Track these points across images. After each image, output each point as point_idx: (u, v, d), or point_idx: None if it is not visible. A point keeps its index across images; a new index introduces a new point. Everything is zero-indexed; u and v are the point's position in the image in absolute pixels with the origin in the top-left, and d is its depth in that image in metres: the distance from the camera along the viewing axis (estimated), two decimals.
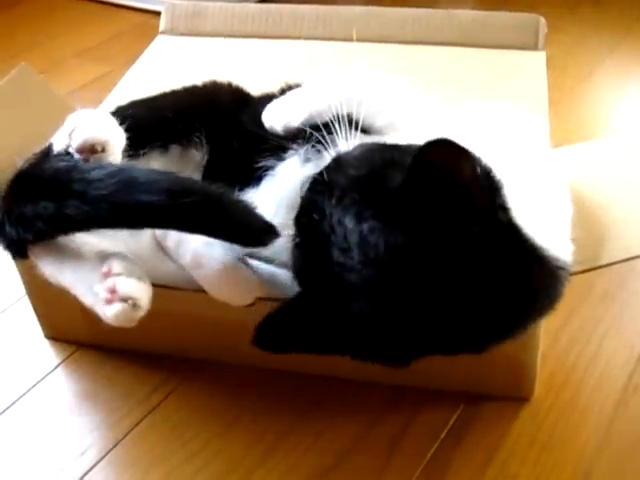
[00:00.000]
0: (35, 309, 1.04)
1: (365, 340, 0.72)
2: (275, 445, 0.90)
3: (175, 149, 0.95)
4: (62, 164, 0.81)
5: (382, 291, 0.69)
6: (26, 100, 1.04)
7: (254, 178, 0.90)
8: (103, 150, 0.81)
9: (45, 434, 0.94)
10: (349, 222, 0.69)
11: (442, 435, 0.90)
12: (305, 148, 0.86)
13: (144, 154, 0.91)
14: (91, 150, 0.80)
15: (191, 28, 1.32)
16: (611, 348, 0.99)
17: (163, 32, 1.33)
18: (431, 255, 0.67)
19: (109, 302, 0.76)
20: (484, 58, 1.21)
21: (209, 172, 0.95)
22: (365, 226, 0.68)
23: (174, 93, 1.00)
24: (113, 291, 0.76)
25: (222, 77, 1.03)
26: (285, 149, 0.89)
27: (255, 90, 1.05)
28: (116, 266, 0.78)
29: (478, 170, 0.68)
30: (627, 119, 1.54)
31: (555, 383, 0.95)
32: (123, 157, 0.87)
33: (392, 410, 0.93)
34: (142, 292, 0.77)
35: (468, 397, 0.94)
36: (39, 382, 0.99)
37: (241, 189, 0.89)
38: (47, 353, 1.03)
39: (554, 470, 0.86)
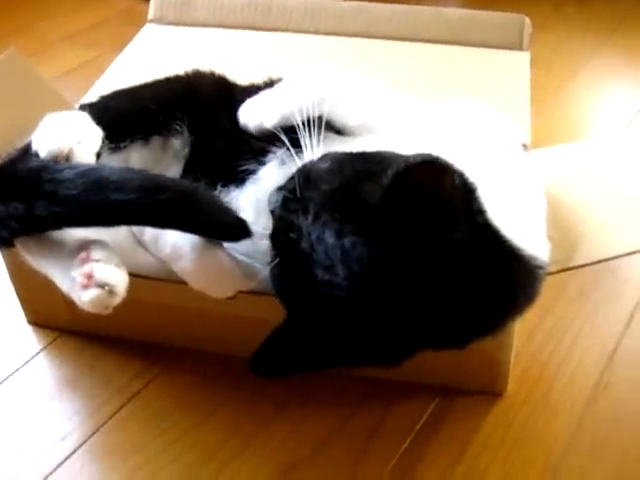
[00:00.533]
0: (18, 294, 1.05)
1: (358, 350, 0.74)
2: (251, 436, 0.92)
3: (156, 140, 0.96)
4: (34, 164, 0.82)
5: (370, 303, 0.70)
6: (13, 86, 1.04)
7: (237, 179, 0.91)
8: (68, 159, 0.81)
9: (26, 419, 0.95)
10: (329, 238, 0.70)
11: (417, 428, 0.92)
12: (282, 151, 0.87)
13: (125, 147, 0.92)
14: (56, 159, 0.81)
15: (180, 17, 1.32)
16: (584, 346, 1.02)
17: (152, 20, 1.33)
18: (414, 263, 0.69)
19: (85, 287, 0.76)
20: (469, 56, 1.22)
21: (191, 166, 0.96)
22: (347, 242, 0.69)
23: (156, 83, 1.00)
24: (90, 276, 0.76)
25: (208, 67, 1.03)
26: (265, 152, 0.90)
27: (242, 82, 1.06)
28: (94, 252, 0.78)
29: (456, 180, 0.69)
30: (609, 119, 1.57)
31: (528, 380, 0.97)
32: (104, 150, 0.88)
33: (368, 402, 0.95)
34: (119, 279, 0.78)
35: (443, 391, 0.96)
36: (21, 367, 1.00)
37: (224, 187, 0.90)
38: (29, 339, 1.04)
39: (524, 465, 0.89)
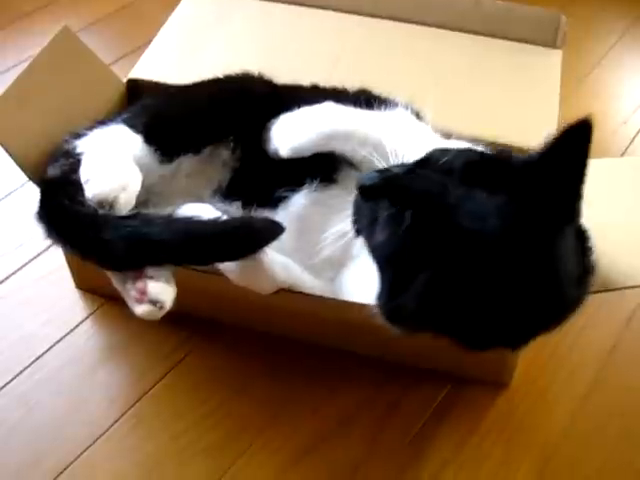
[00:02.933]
0: (67, 260, 1.12)
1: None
2: (281, 408, 1.02)
3: (207, 150, 1.01)
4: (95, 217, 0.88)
5: (515, 254, 0.74)
6: (67, 63, 1.08)
7: (272, 200, 0.98)
8: (111, 207, 0.87)
9: (75, 383, 1.04)
10: (481, 194, 0.75)
11: (429, 411, 1.03)
12: (315, 182, 0.95)
13: (176, 159, 0.98)
14: (101, 205, 0.87)
15: None
16: (585, 344, 1.11)
17: None
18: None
19: (139, 301, 0.86)
20: (503, 49, 1.26)
21: (235, 182, 1.02)
22: (500, 198, 0.75)
23: (207, 88, 1.05)
24: (143, 292, 0.85)
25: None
26: (300, 181, 0.96)
27: (277, 59, 1.11)
28: (148, 268, 0.87)
29: None
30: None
31: (531, 373, 1.07)
32: (154, 161, 0.95)
33: (386, 385, 1.05)
34: (168, 295, 0.87)
35: (454, 379, 1.06)
36: (70, 332, 1.09)
37: (259, 207, 0.96)
38: (78, 304, 1.13)
39: (522, 451, 1.00)
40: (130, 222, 0.86)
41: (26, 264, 1.18)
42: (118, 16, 1.71)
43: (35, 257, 1.18)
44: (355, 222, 0.86)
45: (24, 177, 0.99)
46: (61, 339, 1.08)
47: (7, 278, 1.16)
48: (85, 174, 0.88)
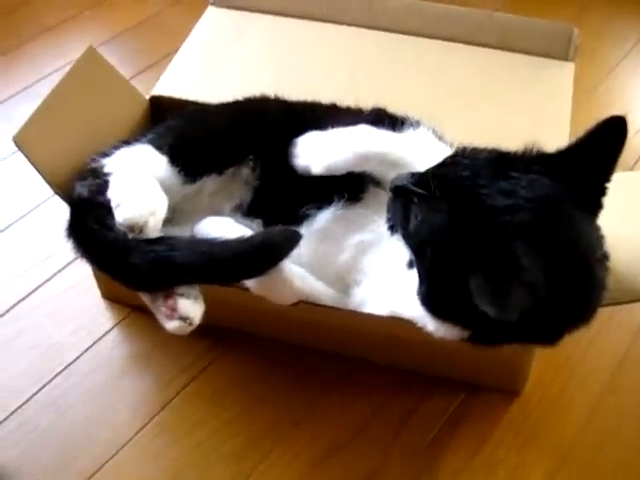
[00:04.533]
0: (94, 271, 1.16)
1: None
2: (300, 418, 1.05)
3: (229, 170, 1.05)
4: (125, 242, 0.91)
5: (544, 231, 0.77)
6: (93, 84, 1.12)
7: (297, 218, 1.01)
8: (141, 231, 0.90)
9: (101, 392, 1.08)
10: (514, 173, 0.80)
11: (444, 418, 1.06)
12: (342, 199, 0.98)
13: (199, 180, 1.02)
14: (131, 229, 0.90)
15: (241, 1, 1.37)
16: (596, 351, 1.13)
17: (213, 3, 1.38)
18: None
19: (169, 317, 0.90)
20: (516, 62, 1.28)
21: (257, 200, 1.05)
22: (532, 176, 0.80)
23: (227, 110, 1.09)
24: (174, 309, 0.89)
25: (266, 58, 1.16)
26: (327, 198, 1.00)
27: (294, 74, 1.15)
28: (178, 287, 0.90)
29: None
30: None
31: (544, 381, 1.10)
32: (176, 181, 0.99)
33: (403, 392, 1.09)
34: (197, 312, 0.91)
35: (469, 387, 1.09)
36: (97, 341, 1.14)
37: (283, 224, 0.98)
38: (104, 314, 1.17)
39: (535, 458, 1.02)
40: (155, 247, 0.89)
41: (55, 275, 1.22)
42: (141, 28, 1.75)
43: (63, 268, 1.23)
44: (389, 221, 0.90)
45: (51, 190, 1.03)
46: (89, 348, 1.13)
47: (37, 289, 1.20)
48: (115, 198, 0.92)
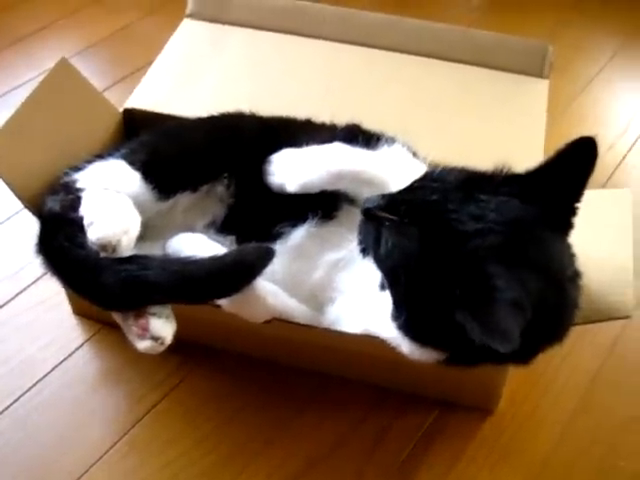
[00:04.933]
0: (65, 287, 1.14)
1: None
2: (273, 436, 1.04)
3: (203, 187, 1.04)
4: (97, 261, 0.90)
5: (516, 252, 0.77)
6: (65, 96, 1.11)
7: (271, 235, 1.00)
8: (114, 250, 0.89)
9: (71, 408, 1.06)
10: (482, 196, 0.80)
11: (418, 435, 1.06)
12: (316, 217, 0.98)
13: (173, 197, 1.01)
14: (104, 248, 0.89)
15: (217, 15, 1.36)
16: (569, 369, 1.13)
17: (189, 15, 1.37)
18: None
19: (140, 337, 0.89)
20: (491, 79, 1.28)
21: (230, 217, 1.04)
22: (501, 198, 0.80)
23: (202, 127, 1.07)
24: (145, 329, 0.88)
25: (242, 71, 1.15)
26: (301, 216, 0.99)
27: (270, 88, 1.15)
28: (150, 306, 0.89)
29: None
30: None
31: (517, 399, 1.10)
32: (149, 198, 0.98)
33: (376, 409, 1.08)
34: (169, 331, 0.90)
35: (442, 404, 1.08)
36: (68, 357, 1.12)
37: (256, 242, 0.97)
38: (75, 329, 1.16)
39: (508, 476, 1.02)
40: (127, 266, 0.88)
41: (25, 289, 1.20)
42: (115, 39, 1.73)
43: (33, 282, 1.21)
44: (360, 243, 0.90)
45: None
46: (59, 364, 1.11)
47: (6, 303, 1.19)
48: (88, 216, 0.91)
